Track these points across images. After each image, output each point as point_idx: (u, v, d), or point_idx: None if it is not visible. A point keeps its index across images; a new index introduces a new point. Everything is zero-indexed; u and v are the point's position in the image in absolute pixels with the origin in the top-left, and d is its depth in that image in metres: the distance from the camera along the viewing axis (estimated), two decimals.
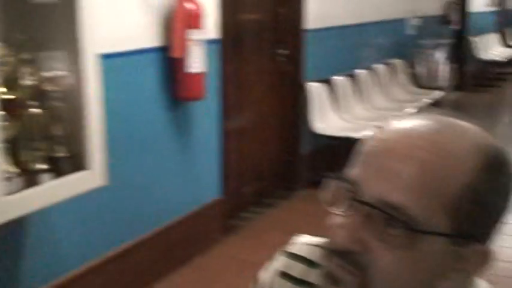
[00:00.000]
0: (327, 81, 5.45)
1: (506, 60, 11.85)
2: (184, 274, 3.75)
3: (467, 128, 0.79)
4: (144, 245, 3.51)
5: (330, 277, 0.79)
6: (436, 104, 6.95)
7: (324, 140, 5.24)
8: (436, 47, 8.36)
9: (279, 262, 1.01)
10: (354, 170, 0.78)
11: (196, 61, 3.52)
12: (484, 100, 10.49)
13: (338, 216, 0.78)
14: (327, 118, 5.37)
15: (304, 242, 1.01)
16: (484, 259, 0.78)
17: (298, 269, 0.98)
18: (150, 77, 3.45)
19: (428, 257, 0.75)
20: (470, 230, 0.76)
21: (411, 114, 0.83)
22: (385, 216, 0.73)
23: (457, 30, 10.03)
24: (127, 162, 3.32)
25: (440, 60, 8.28)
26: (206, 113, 3.93)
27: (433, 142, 0.74)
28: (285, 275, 0.99)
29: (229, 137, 4.28)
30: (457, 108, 9.07)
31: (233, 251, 4.08)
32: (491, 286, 0.89)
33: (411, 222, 0.72)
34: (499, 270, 3.83)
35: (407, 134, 0.76)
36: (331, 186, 0.81)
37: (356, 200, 0.76)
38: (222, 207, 4.20)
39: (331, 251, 0.78)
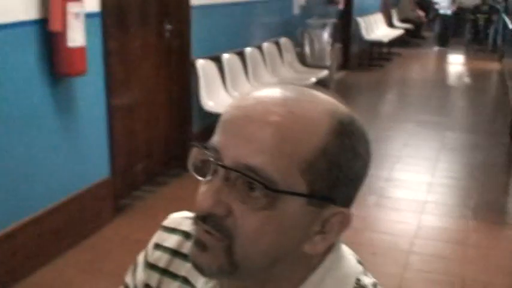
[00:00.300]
0: (215, 59, 5.43)
1: (389, 40, 12.30)
2: (75, 255, 3.65)
3: (321, 97, 0.83)
4: (30, 227, 3.37)
5: (198, 244, 0.81)
6: (321, 83, 7.11)
7: (215, 118, 5.22)
8: (322, 26, 8.53)
9: (156, 236, 1.04)
10: (215, 138, 0.81)
11: (77, 35, 3.40)
12: (369, 79, 10.86)
13: (205, 183, 0.81)
14: (216, 96, 5.36)
15: (181, 216, 1.04)
16: (343, 221, 0.83)
17: (173, 241, 1.01)
18: (28, 51, 3.30)
19: (288, 218, 0.78)
20: (327, 192, 0.79)
21: (270, 85, 0.86)
22: (245, 179, 0.76)
23: (342, 10, 10.29)
24: (7, 142, 3.17)
25: (326, 39, 8.45)
26: (90, 90, 3.81)
27: (287, 108, 0.78)
28: (160, 247, 1.02)
29: (116, 115, 4.19)
30: (342, 87, 9.34)
31: (125, 230, 4.01)
32: (351, 250, 0.93)
33: (269, 183, 0.76)
34: (381, 241, 3.99)
35: (263, 101, 0.79)
36: (197, 155, 0.83)
37: (217, 164, 0.79)
38: (111, 186, 4.10)
39: (198, 217, 0.81)
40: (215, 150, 0.80)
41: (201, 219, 0.80)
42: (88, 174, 3.89)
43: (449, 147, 6.44)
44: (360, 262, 0.92)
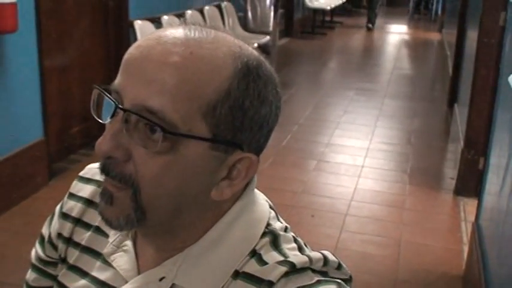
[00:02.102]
0: (155, 20, 5.32)
1: (331, 8, 12.33)
2: (9, 219, 3.56)
3: (227, 39, 0.80)
4: None
5: (104, 196, 0.80)
6: (263, 49, 7.08)
7: None
8: None
9: (72, 186, 1.02)
10: (116, 80, 0.78)
11: None
12: (311, 47, 10.90)
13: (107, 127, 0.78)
14: None
15: (97, 166, 0.99)
16: (250, 167, 0.81)
17: (87, 191, 0.99)
18: None
19: (191, 163, 0.76)
20: (231, 137, 0.77)
21: (175, 25, 0.82)
22: (145, 122, 0.74)
23: None
24: None
25: (268, 5, 8.39)
26: (22, 48, 3.67)
27: (188, 48, 0.75)
28: (74, 197, 1.00)
29: (49, 75, 4.05)
30: (285, 54, 9.33)
31: (60, 194, 3.82)
32: (264, 196, 0.92)
33: (169, 126, 0.73)
34: (319, 204, 4.03)
35: (163, 41, 0.76)
36: (97, 97, 0.80)
37: (116, 106, 0.76)
38: (45, 148, 3.98)
39: (101, 170, 0.79)
40: (116, 92, 0.77)
41: (103, 170, 0.78)
42: (21, 135, 3.77)
43: (388, 114, 6.53)
44: (272, 208, 0.91)
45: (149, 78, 0.74)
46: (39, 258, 1.04)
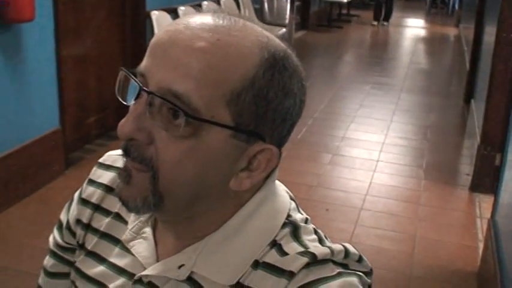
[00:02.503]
0: (172, 11, 5.32)
1: (348, 0, 12.27)
2: (24, 207, 3.59)
3: (255, 28, 0.80)
4: None
5: (122, 175, 0.80)
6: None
7: None
8: None
9: (91, 172, 1.02)
10: (143, 62, 0.78)
11: None
12: (328, 40, 10.85)
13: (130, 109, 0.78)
14: None
15: (117, 153, 1.01)
16: (271, 159, 0.80)
17: (107, 178, 0.99)
18: None
19: (212, 150, 0.76)
20: (254, 127, 0.77)
21: (204, 12, 0.82)
22: (168, 105, 0.74)
23: None
24: None
25: None
26: (39, 37, 3.67)
27: (216, 34, 0.75)
28: (94, 183, 1.00)
29: (66, 64, 4.06)
30: (301, 47, 9.30)
31: (76, 183, 3.85)
32: (285, 187, 0.92)
33: (192, 111, 0.73)
34: (334, 198, 4.02)
35: (192, 26, 0.76)
36: (123, 80, 0.80)
37: (141, 88, 0.76)
38: (61, 137, 4.00)
39: (123, 150, 0.79)
40: (141, 75, 0.77)
41: (124, 151, 0.79)
42: (37, 124, 3.78)
43: (404, 108, 6.49)
44: (292, 199, 0.91)
45: (175, 63, 0.74)
46: (57, 244, 1.04)
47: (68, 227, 1.02)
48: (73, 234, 1.01)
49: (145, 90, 0.75)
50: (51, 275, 1.05)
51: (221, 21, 0.77)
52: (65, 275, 1.03)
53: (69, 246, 1.02)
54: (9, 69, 3.47)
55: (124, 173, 0.80)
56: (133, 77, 0.77)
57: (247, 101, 0.75)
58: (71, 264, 1.01)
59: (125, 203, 0.81)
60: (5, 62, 3.42)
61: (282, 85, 0.77)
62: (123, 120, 0.77)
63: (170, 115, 0.74)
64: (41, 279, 1.08)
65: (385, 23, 12.68)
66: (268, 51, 0.77)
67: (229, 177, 0.80)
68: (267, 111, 0.77)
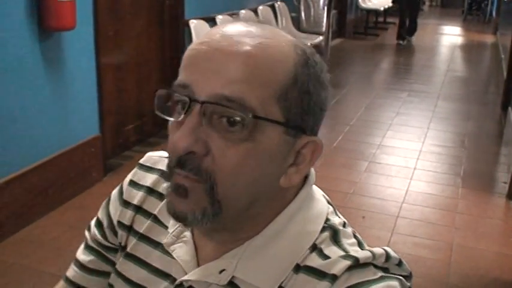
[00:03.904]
0: (210, 20, 5.37)
1: (385, 9, 12.21)
2: (63, 213, 3.64)
3: (278, 30, 0.84)
4: (17, 183, 3.33)
5: (177, 189, 0.79)
6: (317, 49, 7.03)
7: None
8: None
9: (132, 173, 1.03)
10: (181, 76, 0.79)
11: None
12: (364, 48, 10.81)
13: (175, 125, 0.79)
14: None
15: (158, 155, 1.03)
16: (315, 150, 0.83)
17: (149, 179, 1.00)
18: (16, 3, 3.22)
19: (267, 149, 0.78)
20: (300, 121, 0.80)
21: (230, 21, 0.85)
22: (223, 111, 0.75)
23: None
24: None
25: (322, 5, 8.37)
26: (79, 45, 3.75)
27: (256, 38, 0.78)
28: (135, 185, 1.01)
29: (106, 72, 4.13)
30: (338, 55, 9.29)
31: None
32: (321, 191, 0.94)
33: (248, 111, 0.75)
34: (370, 206, 4.00)
35: (230, 34, 0.78)
36: (164, 98, 0.81)
37: (191, 100, 0.76)
38: (101, 144, 4.07)
39: (175, 164, 0.78)
40: (184, 87, 0.78)
41: (178, 165, 0.78)
42: (77, 131, 3.86)
43: (441, 116, 6.43)
44: (330, 203, 0.92)
45: (221, 69, 0.75)
46: (97, 241, 1.04)
47: (111, 227, 1.02)
48: (115, 234, 1.02)
49: (197, 101, 0.76)
50: (89, 270, 1.05)
51: (252, 27, 0.80)
52: (104, 273, 1.04)
53: (112, 246, 1.03)
54: (51, 77, 3.55)
55: (179, 188, 0.79)
56: (177, 92, 0.78)
57: (293, 96, 0.78)
58: (113, 264, 1.02)
59: (181, 218, 0.80)
60: (47, 69, 3.50)
61: (317, 78, 0.81)
62: (177, 136, 0.77)
63: (225, 121, 0.75)
64: (73, 272, 1.07)
65: (410, 38, 11.47)
66: (300, 49, 0.81)
67: (279, 175, 0.82)
68: (310, 104, 0.80)
